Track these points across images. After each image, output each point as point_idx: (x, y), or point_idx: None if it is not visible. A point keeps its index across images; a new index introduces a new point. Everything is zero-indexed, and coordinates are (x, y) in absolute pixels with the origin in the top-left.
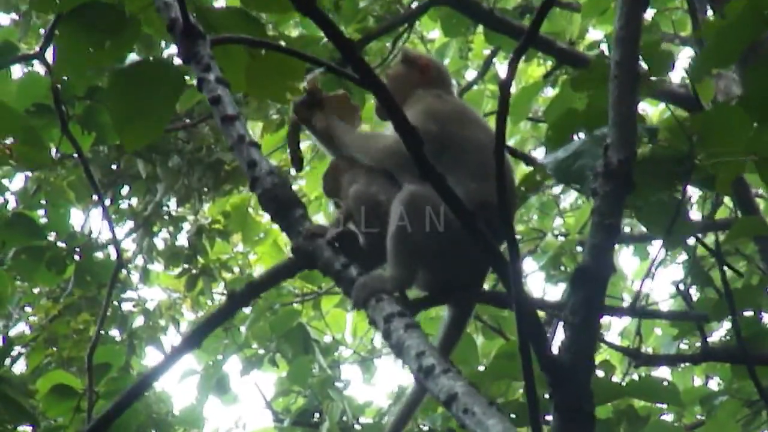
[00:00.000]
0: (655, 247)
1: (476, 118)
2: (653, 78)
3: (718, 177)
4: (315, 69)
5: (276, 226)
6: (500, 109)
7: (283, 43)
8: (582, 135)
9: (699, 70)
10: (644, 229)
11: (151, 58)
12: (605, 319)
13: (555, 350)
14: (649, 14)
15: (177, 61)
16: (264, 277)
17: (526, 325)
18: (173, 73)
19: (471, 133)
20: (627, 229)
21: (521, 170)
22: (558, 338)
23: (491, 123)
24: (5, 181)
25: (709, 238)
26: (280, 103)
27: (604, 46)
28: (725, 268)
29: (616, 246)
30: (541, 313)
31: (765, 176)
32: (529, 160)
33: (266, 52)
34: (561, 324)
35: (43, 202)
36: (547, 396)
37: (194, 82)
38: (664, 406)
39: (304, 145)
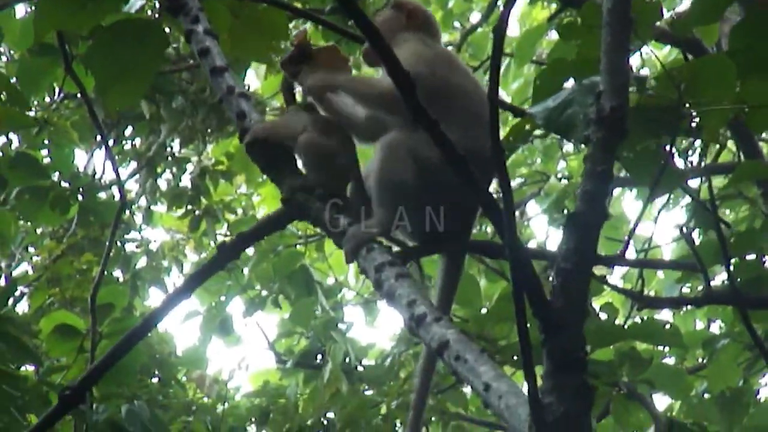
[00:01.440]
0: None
1: (462, 65)
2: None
3: (706, 125)
4: (305, 24)
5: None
6: (494, 54)
7: None
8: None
9: (683, 26)
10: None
11: (132, 19)
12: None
13: (548, 297)
14: None
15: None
16: (254, 228)
17: (519, 272)
18: (156, 32)
19: (458, 79)
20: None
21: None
22: (551, 285)
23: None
24: None
25: (714, 182)
26: (264, 63)
27: None
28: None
29: (619, 190)
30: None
31: (753, 124)
32: (516, 111)
33: (249, 10)
34: (554, 271)
35: (46, 141)
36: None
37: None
38: (666, 349)
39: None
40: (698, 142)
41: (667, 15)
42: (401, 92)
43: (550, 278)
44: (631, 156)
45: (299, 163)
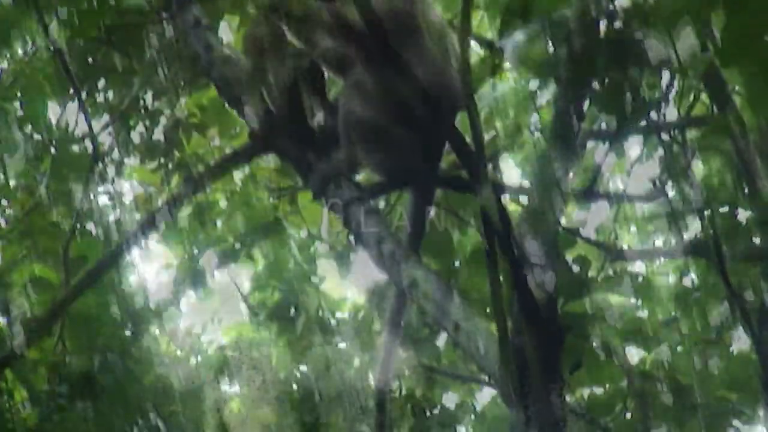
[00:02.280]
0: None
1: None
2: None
3: (673, 57)
4: None
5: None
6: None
7: None
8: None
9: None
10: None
11: None
12: (581, 215)
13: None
14: None
15: None
16: (221, 160)
17: (490, 216)
18: None
19: (427, 11)
20: (603, 125)
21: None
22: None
23: None
24: None
25: (688, 134)
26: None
27: None
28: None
29: (592, 143)
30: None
31: (723, 56)
32: (485, 44)
33: None
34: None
35: (19, 94)
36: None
37: None
38: (639, 302)
39: None
40: (672, 95)
41: None
42: (371, 31)
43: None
44: (599, 89)
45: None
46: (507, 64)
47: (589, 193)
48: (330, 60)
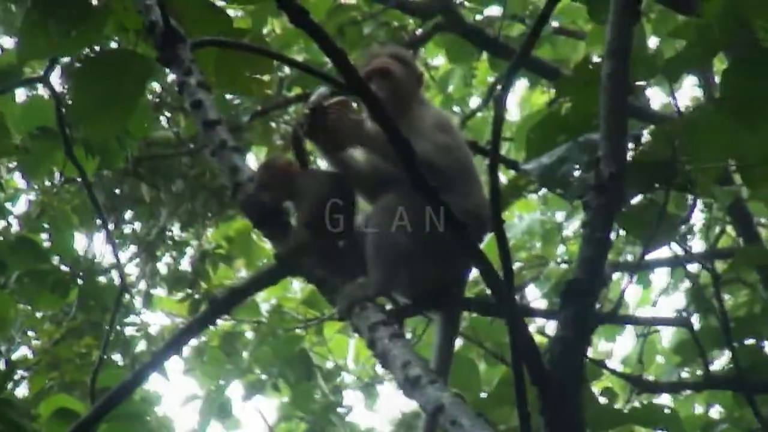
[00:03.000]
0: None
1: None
2: (638, 84)
3: (699, 181)
4: (321, 86)
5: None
6: (495, 123)
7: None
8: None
9: (674, 70)
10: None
11: (116, 49)
12: (607, 346)
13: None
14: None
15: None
16: (246, 283)
17: (517, 337)
18: (137, 62)
19: (459, 142)
20: (629, 257)
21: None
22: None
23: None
24: (8, 205)
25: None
26: (248, 95)
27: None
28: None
29: (618, 274)
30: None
31: (748, 181)
32: (512, 165)
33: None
34: (552, 339)
35: (46, 225)
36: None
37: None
38: None
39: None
40: (698, 226)
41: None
42: (402, 161)
43: (548, 349)
44: (625, 211)
45: (293, 221)
46: (533, 196)
47: (614, 318)
48: (364, 181)
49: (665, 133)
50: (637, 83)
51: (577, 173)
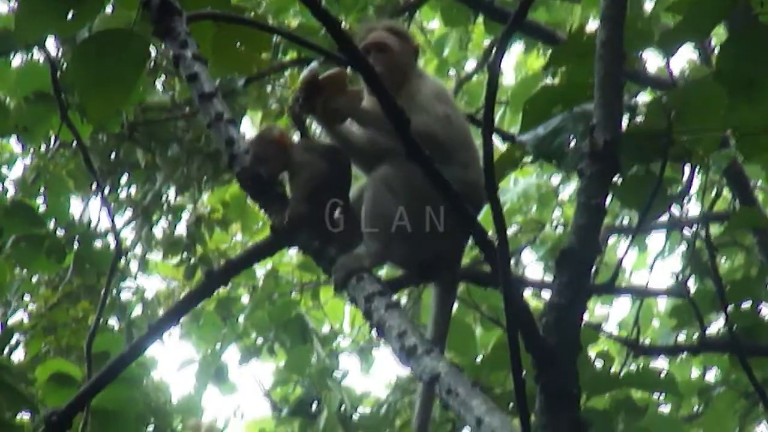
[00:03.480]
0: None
1: (455, 101)
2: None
3: (695, 151)
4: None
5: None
6: (488, 90)
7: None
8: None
9: (669, 43)
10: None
11: (114, 29)
12: (603, 310)
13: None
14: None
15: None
16: (243, 255)
17: (513, 307)
18: (137, 42)
19: (456, 113)
20: (626, 221)
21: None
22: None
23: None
24: (4, 169)
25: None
26: (245, 75)
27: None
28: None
29: (614, 237)
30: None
31: (745, 150)
32: (508, 137)
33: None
34: (547, 306)
35: (42, 190)
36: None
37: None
38: (662, 396)
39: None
40: (694, 189)
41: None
42: (397, 130)
43: (543, 316)
44: (621, 182)
45: (288, 192)
46: (528, 159)
47: (611, 288)
48: (360, 153)
49: (661, 103)
50: (633, 52)
51: (572, 144)
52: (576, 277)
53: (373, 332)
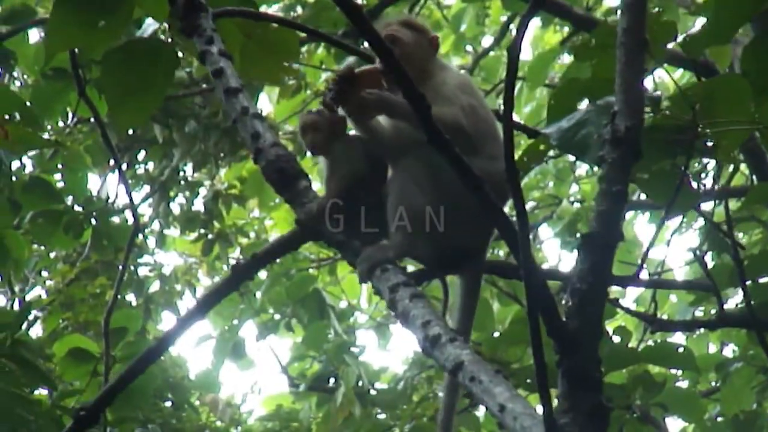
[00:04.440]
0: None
1: (477, 88)
2: (658, 46)
3: (721, 145)
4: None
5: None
6: (509, 76)
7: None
8: (585, 104)
9: (695, 47)
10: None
11: (144, 38)
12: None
13: (563, 317)
14: None
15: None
16: (268, 248)
17: (534, 293)
18: (166, 52)
19: (481, 103)
20: (643, 196)
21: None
22: (567, 305)
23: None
24: None
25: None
26: (275, 85)
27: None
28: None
29: (632, 213)
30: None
31: None
32: (531, 132)
33: (262, 30)
34: (569, 291)
35: (60, 166)
36: (555, 364)
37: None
38: (680, 372)
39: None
40: (712, 165)
41: (680, 37)
42: (418, 115)
43: (564, 300)
44: (646, 176)
45: (314, 186)
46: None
47: (633, 280)
48: (388, 145)
49: (686, 96)
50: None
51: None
52: (598, 263)
53: (398, 323)
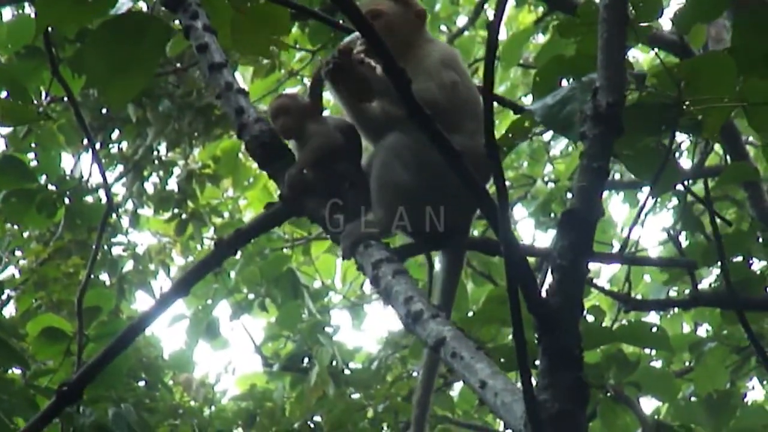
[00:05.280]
0: (645, 194)
1: (465, 67)
2: (641, 24)
3: (706, 123)
4: (350, 34)
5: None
6: (488, 52)
7: None
8: (570, 81)
9: (686, 20)
10: (634, 176)
11: (133, 12)
12: (595, 265)
13: (543, 294)
14: None
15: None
16: (252, 224)
17: (514, 268)
18: (156, 26)
19: (464, 79)
20: (617, 176)
21: (507, 118)
22: (546, 282)
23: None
24: None
25: (700, 185)
26: (264, 57)
27: None
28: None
29: (606, 193)
30: (531, 259)
31: (754, 123)
32: (516, 108)
33: (251, 5)
34: (549, 267)
35: (33, 145)
36: (536, 340)
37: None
38: (653, 351)
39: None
40: (686, 145)
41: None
42: (397, 89)
43: (543, 275)
44: (631, 153)
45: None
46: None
47: (614, 256)
48: (371, 122)
49: (671, 73)
50: (641, 24)
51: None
52: (579, 239)
53: (365, 289)
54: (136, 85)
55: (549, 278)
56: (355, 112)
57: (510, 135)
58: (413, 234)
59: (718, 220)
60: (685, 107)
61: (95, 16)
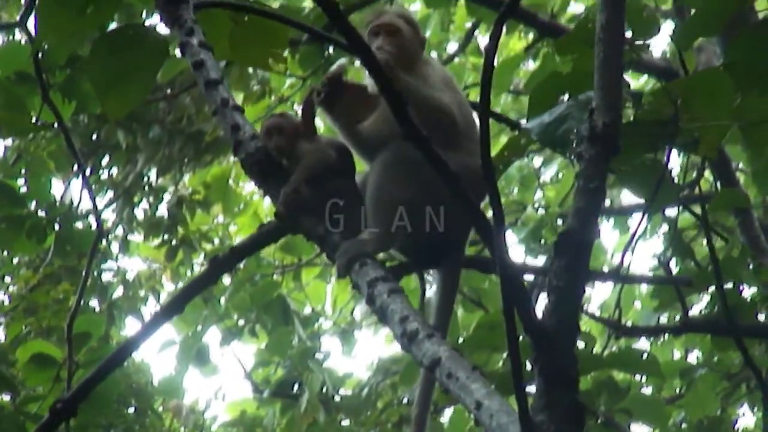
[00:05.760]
0: (636, 220)
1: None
2: (638, 42)
3: (703, 140)
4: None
5: (258, 196)
6: (485, 74)
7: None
8: (566, 99)
9: (684, 37)
10: (624, 203)
11: (132, 25)
12: (586, 291)
13: (539, 315)
14: None
15: (159, 27)
16: (247, 241)
17: (510, 289)
18: (154, 39)
19: (462, 101)
20: (608, 202)
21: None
22: (542, 303)
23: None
24: None
25: (688, 214)
26: (264, 70)
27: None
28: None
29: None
30: (526, 278)
31: (751, 141)
32: (513, 125)
33: (250, 17)
34: (545, 288)
35: (23, 171)
36: (529, 364)
37: (177, 49)
38: (644, 378)
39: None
40: (676, 171)
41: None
42: (393, 111)
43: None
44: (628, 169)
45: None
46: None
47: (614, 277)
48: (366, 142)
49: (668, 91)
50: (636, 41)
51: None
52: (575, 260)
53: (376, 320)
54: (136, 95)
55: (543, 299)
56: (350, 134)
57: (506, 153)
58: (409, 251)
59: (707, 247)
60: (681, 125)
61: (94, 26)
